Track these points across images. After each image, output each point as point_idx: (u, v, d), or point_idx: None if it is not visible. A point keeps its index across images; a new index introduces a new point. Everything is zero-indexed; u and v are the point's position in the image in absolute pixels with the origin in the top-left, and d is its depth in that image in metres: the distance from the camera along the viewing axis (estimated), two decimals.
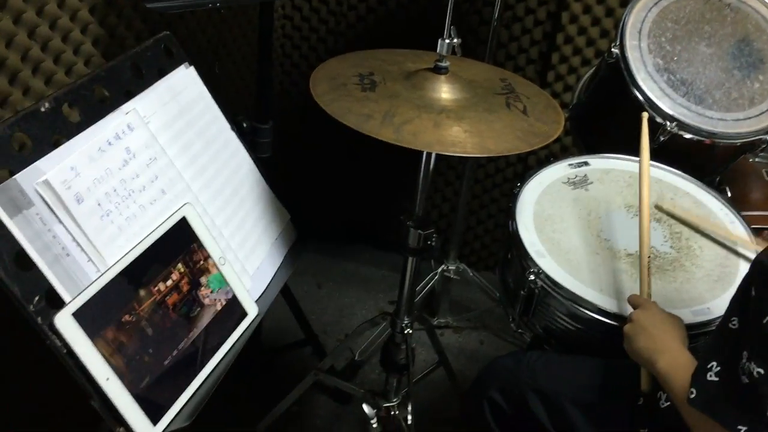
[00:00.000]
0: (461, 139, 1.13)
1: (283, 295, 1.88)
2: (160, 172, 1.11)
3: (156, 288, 1.04)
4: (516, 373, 1.25)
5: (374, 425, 1.59)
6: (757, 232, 1.43)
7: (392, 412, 1.60)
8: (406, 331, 1.51)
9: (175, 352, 1.05)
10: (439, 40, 1.23)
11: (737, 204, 1.53)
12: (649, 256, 1.22)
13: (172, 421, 1.03)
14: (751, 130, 1.51)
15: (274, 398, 1.76)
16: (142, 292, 1.02)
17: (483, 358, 2.14)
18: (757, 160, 1.76)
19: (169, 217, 1.08)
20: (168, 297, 1.05)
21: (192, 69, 1.28)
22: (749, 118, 1.52)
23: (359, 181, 2.36)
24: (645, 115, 1.39)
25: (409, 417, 1.58)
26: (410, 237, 1.39)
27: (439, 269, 2.18)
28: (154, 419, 1.00)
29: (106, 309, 0.97)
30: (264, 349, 1.98)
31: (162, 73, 1.23)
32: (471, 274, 2.18)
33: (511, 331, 1.45)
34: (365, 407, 1.60)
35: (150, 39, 1.23)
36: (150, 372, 1.01)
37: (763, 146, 1.57)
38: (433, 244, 1.39)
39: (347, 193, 2.42)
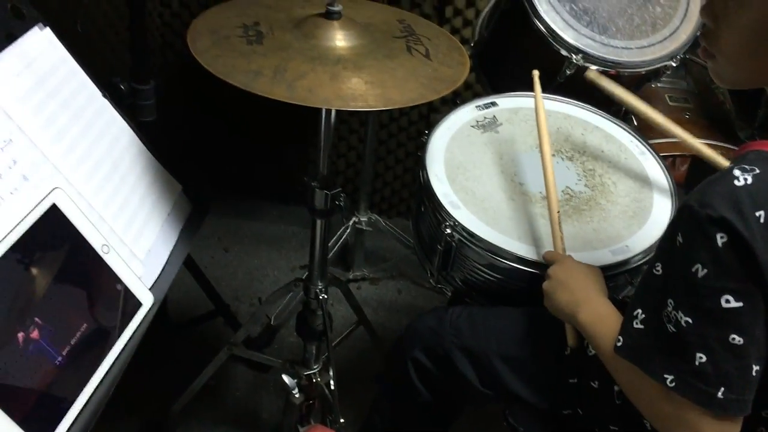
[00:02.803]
0: (362, 92, 1.03)
1: (187, 267, 1.76)
2: (18, 155, 0.96)
3: None
4: (439, 332, 1.20)
5: (296, 395, 1.51)
6: (665, 160, 1.41)
7: (314, 380, 1.53)
8: (320, 297, 1.42)
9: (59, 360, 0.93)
10: None
11: (644, 132, 1.51)
12: (558, 211, 1.18)
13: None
14: (655, 57, 1.48)
15: (188, 376, 1.66)
16: None
17: (402, 308, 2.10)
18: (659, 85, 1.75)
19: (36, 207, 0.94)
20: None
21: (48, 30, 1.11)
22: (653, 44, 1.48)
23: (258, 136, 2.23)
24: (536, 74, 1.34)
25: (332, 382, 1.52)
26: (316, 198, 1.29)
27: (351, 222, 2.10)
28: None
29: None
30: (172, 325, 1.86)
31: (11, 38, 1.05)
32: (383, 223, 2.11)
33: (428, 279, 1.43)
34: (285, 378, 1.52)
35: None
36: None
37: (667, 72, 1.55)
38: (341, 203, 1.31)
39: (247, 149, 2.28)
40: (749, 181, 0.74)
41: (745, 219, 0.72)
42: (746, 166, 0.76)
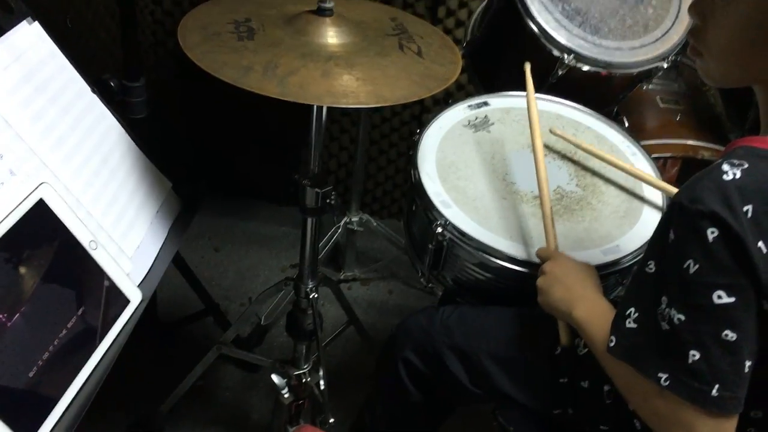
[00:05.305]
0: (353, 89, 1.03)
1: (177, 266, 1.75)
2: (5, 149, 0.95)
3: None
4: (430, 331, 1.19)
5: (286, 395, 1.50)
6: (656, 162, 1.41)
7: (303, 380, 1.52)
8: (311, 296, 1.42)
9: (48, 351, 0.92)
10: None
11: (635, 133, 1.51)
12: (551, 207, 1.17)
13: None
14: (647, 58, 1.48)
15: (177, 376, 1.65)
16: None
17: (393, 308, 2.09)
18: (650, 87, 1.75)
19: (22, 202, 0.93)
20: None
21: (37, 25, 1.10)
22: (644, 45, 1.49)
23: (250, 134, 2.22)
24: (528, 66, 1.34)
25: (322, 382, 1.51)
26: (307, 196, 1.28)
27: (342, 222, 2.09)
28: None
29: None
30: (161, 323, 1.85)
31: None
32: (375, 224, 2.11)
33: (419, 279, 1.42)
34: (275, 378, 1.51)
35: None
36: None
37: (659, 73, 1.55)
38: (333, 201, 1.30)
39: (238, 148, 2.26)
40: (738, 175, 0.74)
41: (735, 213, 0.72)
42: (735, 161, 0.75)
